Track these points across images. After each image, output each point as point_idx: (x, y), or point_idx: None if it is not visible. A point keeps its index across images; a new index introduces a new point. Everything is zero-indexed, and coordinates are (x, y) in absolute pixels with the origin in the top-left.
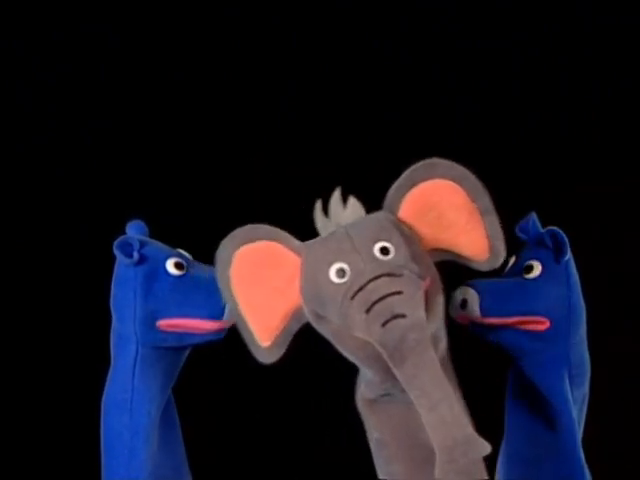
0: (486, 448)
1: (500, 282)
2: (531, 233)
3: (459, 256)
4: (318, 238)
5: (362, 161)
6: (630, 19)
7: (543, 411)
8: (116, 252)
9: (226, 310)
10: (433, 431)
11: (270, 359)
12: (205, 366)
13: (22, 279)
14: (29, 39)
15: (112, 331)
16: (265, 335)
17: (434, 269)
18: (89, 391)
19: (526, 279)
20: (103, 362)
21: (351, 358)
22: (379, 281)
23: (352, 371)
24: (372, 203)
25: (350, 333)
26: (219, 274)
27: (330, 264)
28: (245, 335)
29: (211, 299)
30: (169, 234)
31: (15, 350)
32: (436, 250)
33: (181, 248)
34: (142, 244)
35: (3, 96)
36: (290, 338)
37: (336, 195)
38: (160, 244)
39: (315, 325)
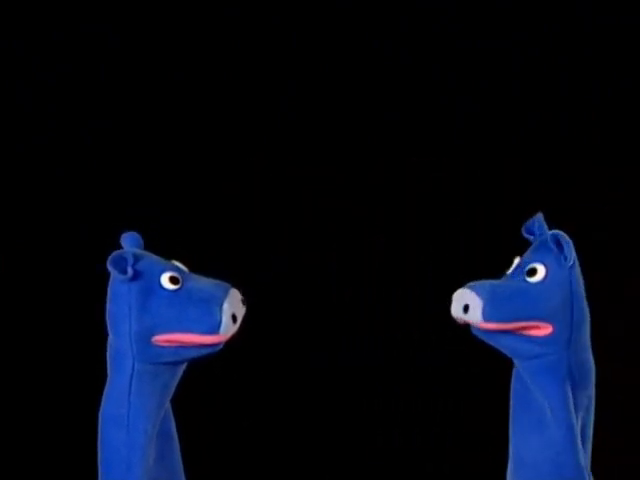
0: None
1: (503, 286)
2: (537, 234)
3: None
4: None
5: (362, 161)
6: (630, 19)
7: (543, 414)
8: (110, 268)
9: (222, 324)
10: None
11: None
12: (202, 377)
13: (20, 285)
14: (29, 39)
15: (108, 345)
16: None
17: None
18: (86, 404)
19: (529, 283)
20: (100, 375)
21: None
22: None
23: (352, 381)
24: (371, 203)
25: None
26: None
27: None
28: None
29: (207, 313)
30: (168, 234)
31: (11, 363)
32: None
33: (179, 248)
34: (136, 258)
35: (3, 96)
36: None
37: None
38: (155, 257)
39: None
